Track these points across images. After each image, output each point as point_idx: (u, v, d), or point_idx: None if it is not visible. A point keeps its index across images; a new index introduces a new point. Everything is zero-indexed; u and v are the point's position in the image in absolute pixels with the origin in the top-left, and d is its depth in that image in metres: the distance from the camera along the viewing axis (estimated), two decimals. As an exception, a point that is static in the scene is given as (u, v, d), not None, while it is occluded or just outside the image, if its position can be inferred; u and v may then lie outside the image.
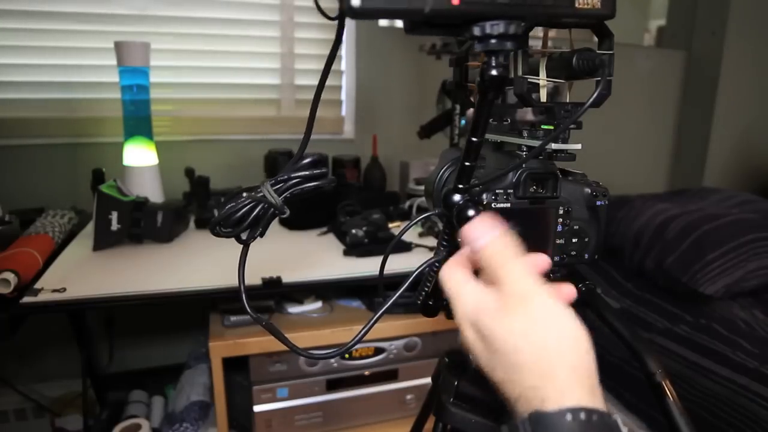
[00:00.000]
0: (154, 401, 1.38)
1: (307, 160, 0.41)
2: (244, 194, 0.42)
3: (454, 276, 0.36)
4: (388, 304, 0.44)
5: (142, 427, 1.10)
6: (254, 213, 0.40)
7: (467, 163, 0.39)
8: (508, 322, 0.32)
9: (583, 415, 0.29)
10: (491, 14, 0.31)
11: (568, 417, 0.29)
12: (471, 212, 0.38)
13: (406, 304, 1.02)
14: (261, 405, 1.09)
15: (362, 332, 0.44)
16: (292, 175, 0.40)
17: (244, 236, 0.43)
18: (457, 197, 0.39)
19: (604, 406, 0.31)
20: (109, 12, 1.37)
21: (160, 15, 1.42)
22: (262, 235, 0.42)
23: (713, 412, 1.02)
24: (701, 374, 1.08)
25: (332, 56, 0.36)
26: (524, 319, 0.32)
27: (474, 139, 0.37)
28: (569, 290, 0.36)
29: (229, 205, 0.40)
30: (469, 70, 0.52)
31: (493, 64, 0.33)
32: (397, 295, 0.44)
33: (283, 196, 0.40)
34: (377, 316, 0.44)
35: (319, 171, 0.41)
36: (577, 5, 0.34)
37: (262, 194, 0.39)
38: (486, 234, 0.35)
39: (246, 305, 0.45)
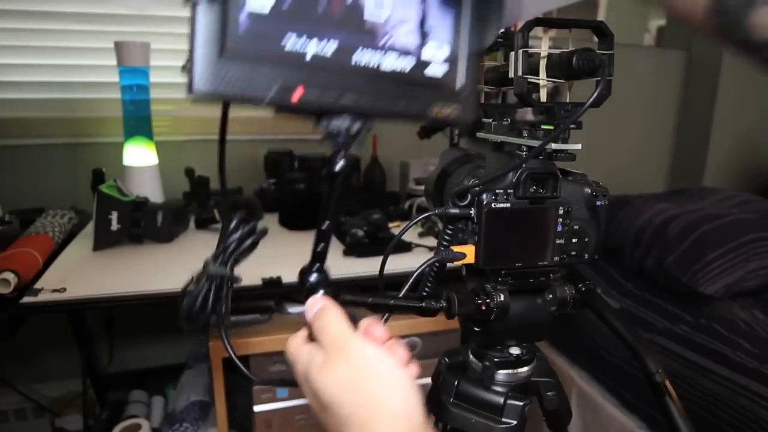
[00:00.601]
0: (154, 401, 1.38)
1: (233, 223, 0.40)
2: (192, 278, 0.42)
3: (293, 342, 0.38)
4: (399, 299, 0.44)
5: (142, 427, 1.10)
6: (212, 293, 0.39)
7: (321, 244, 0.39)
8: (331, 375, 0.33)
9: None
10: (335, 110, 0.31)
11: None
12: (321, 292, 0.38)
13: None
14: (261, 405, 1.09)
15: None
16: (227, 244, 0.40)
17: (213, 320, 0.42)
18: (313, 276, 0.39)
19: None
20: (109, 12, 1.37)
21: (160, 15, 1.42)
22: (227, 309, 0.41)
23: (713, 412, 1.02)
24: (701, 374, 1.07)
25: (222, 139, 0.37)
26: (344, 371, 0.33)
27: (326, 223, 0.37)
28: (399, 348, 0.37)
29: (186, 300, 0.40)
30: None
31: (338, 159, 0.33)
32: (400, 296, 0.44)
33: (229, 265, 0.39)
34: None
35: (248, 228, 0.40)
36: (432, 113, 0.33)
37: (210, 273, 0.39)
38: (315, 305, 0.37)
39: (246, 372, 0.46)
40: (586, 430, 1.28)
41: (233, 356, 0.44)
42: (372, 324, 0.36)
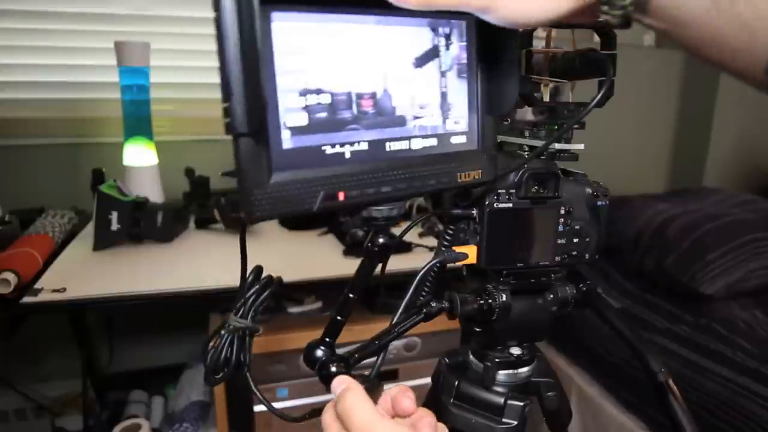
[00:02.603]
0: (154, 401, 1.38)
1: (249, 278, 0.43)
2: (221, 332, 0.43)
3: (327, 413, 0.37)
4: (399, 323, 0.44)
5: (142, 427, 1.10)
6: (234, 345, 0.41)
7: (339, 318, 0.40)
8: None
9: None
10: (376, 203, 0.34)
11: None
12: (333, 368, 0.39)
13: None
14: (261, 405, 1.09)
15: (378, 362, 0.45)
16: (246, 297, 0.42)
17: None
18: (319, 353, 0.40)
19: None
20: (109, 12, 1.37)
21: (160, 15, 1.42)
22: (249, 361, 0.43)
23: (713, 412, 1.02)
24: (701, 374, 1.07)
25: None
26: None
27: (351, 295, 0.40)
28: (430, 420, 0.37)
29: (210, 353, 0.42)
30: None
31: (379, 237, 0.38)
32: (404, 302, 0.44)
33: (250, 316, 0.41)
34: (390, 336, 0.43)
35: (264, 280, 0.43)
36: (459, 180, 0.36)
37: (232, 326, 0.41)
38: (339, 385, 0.37)
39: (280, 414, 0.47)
40: (586, 430, 1.28)
41: (264, 401, 0.45)
42: (399, 396, 0.36)
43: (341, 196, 0.31)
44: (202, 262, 1.08)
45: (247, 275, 0.42)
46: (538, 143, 0.46)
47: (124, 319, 1.51)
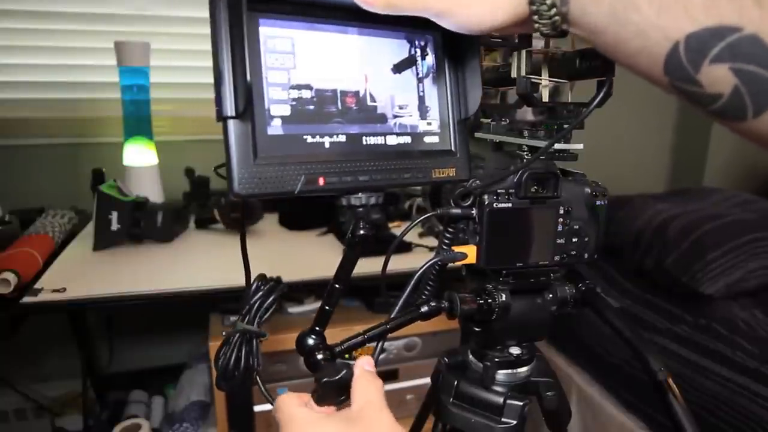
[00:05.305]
0: (154, 401, 1.38)
1: (254, 284, 0.45)
2: (229, 338, 0.45)
3: (286, 403, 0.38)
4: (395, 318, 0.44)
5: (142, 427, 1.10)
6: (243, 350, 0.43)
7: (327, 308, 0.42)
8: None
9: None
10: (354, 190, 0.36)
11: None
12: (319, 356, 0.40)
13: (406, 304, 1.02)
14: (261, 405, 1.09)
15: (376, 353, 0.44)
16: (251, 303, 0.44)
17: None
18: (310, 341, 0.41)
19: None
20: (109, 12, 1.37)
21: (160, 15, 1.42)
22: (260, 363, 0.45)
23: (713, 412, 1.02)
24: (701, 374, 1.07)
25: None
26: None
27: (337, 285, 0.41)
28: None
29: (221, 361, 0.44)
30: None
31: (360, 226, 0.39)
32: (401, 300, 0.44)
33: (256, 321, 0.44)
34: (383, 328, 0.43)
35: (268, 287, 0.45)
36: (433, 176, 0.39)
37: (240, 330, 0.43)
38: (365, 363, 0.40)
39: None
40: (586, 430, 1.28)
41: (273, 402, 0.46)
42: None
43: (321, 181, 0.34)
44: (202, 262, 1.08)
45: (251, 282, 0.44)
46: (537, 143, 0.46)
47: (124, 319, 1.51)
